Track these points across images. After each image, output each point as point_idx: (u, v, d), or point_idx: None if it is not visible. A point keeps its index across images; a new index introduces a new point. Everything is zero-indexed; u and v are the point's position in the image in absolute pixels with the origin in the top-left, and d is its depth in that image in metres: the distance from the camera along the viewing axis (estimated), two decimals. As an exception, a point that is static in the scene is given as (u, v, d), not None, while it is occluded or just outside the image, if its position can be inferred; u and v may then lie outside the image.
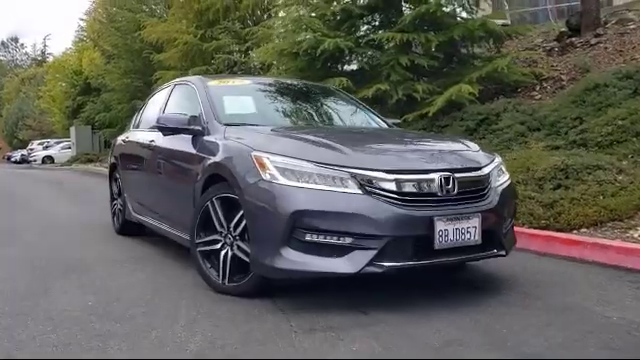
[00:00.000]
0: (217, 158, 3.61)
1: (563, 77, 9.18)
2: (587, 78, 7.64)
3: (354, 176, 3.07)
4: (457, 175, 3.23)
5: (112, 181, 6.01)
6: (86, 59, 27.39)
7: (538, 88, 9.23)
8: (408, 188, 3.11)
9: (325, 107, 4.71)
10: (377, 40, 8.81)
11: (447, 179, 3.18)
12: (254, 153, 3.30)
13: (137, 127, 5.63)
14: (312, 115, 4.52)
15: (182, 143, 4.15)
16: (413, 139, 4.02)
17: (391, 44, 9.06)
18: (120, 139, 5.86)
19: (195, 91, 4.40)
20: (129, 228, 5.59)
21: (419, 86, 8.60)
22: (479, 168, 3.41)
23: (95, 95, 25.90)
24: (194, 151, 3.97)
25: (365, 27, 9.97)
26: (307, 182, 3.08)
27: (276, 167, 3.17)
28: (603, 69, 8.73)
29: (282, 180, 3.12)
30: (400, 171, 3.14)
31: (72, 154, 27.95)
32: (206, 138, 3.93)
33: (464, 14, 10.09)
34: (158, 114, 4.90)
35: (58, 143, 33.58)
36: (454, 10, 9.97)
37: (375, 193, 3.05)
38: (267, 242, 3.14)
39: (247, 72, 14.85)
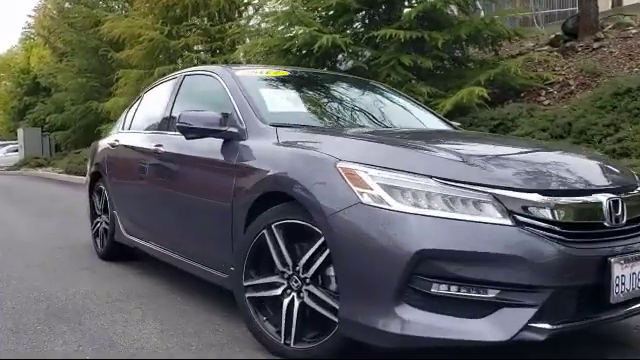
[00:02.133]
0: (277, 170, 2.59)
1: (570, 82, 8.50)
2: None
3: (497, 198, 2.12)
4: (624, 196, 2.33)
5: (93, 194, 4.84)
6: (35, 57, 25.52)
7: (544, 93, 8.53)
8: (568, 216, 2.18)
9: (379, 104, 3.73)
10: (378, 37, 7.89)
11: (615, 202, 2.26)
12: (342, 164, 2.30)
13: (129, 128, 4.52)
14: (371, 114, 3.53)
15: (206, 149, 3.12)
16: (530, 147, 3.04)
17: (390, 41, 8.19)
18: (106, 143, 4.71)
19: (220, 83, 3.36)
20: (117, 252, 4.48)
21: (424, 88, 7.73)
22: (637, 187, 2.52)
23: (45, 95, 24.05)
24: (229, 160, 2.94)
25: (358, 24, 9.07)
26: (430, 207, 2.11)
27: (381, 185, 2.18)
28: (614, 74, 8.11)
29: (393, 204, 2.13)
30: (556, 192, 2.20)
31: (20, 158, 25.90)
32: (247, 143, 2.91)
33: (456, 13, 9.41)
34: (165, 112, 3.85)
35: (3, 146, 31.26)
36: (451, 10, 9.22)
37: (530, 224, 2.10)
38: (369, 294, 2.15)
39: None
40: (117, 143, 4.43)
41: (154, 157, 3.68)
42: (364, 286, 2.17)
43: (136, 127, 4.43)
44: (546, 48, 10.08)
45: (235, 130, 3.00)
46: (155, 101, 4.23)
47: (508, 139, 3.67)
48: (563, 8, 13.47)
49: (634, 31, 9.36)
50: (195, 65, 14.31)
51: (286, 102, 3.34)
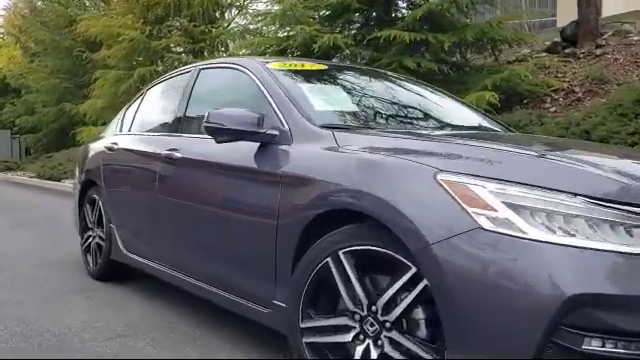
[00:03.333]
0: (346, 183, 2.03)
1: (576, 89, 8.14)
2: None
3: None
4: None
5: (84, 204, 4.20)
6: (4, 57, 24.37)
7: (549, 100, 8.15)
8: None
9: (430, 103, 3.20)
10: (381, 38, 7.39)
11: None
12: (445, 176, 1.76)
13: (130, 130, 3.91)
14: (427, 115, 3.00)
15: (240, 156, 2.56)
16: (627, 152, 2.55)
17: (393, 43, 7.71)
18: (101, 146, 4.07)
19: (250, 77, 2.79)
20: (114, 271, 3.86)
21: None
22: None
23: (15, 96, 22.92)
24: (273, 169, 2.38)
25: (357, 24, 8.58)
26: (580, 236, 1.59)
27: (507, 204, 1.65)
28: (622, 80, 7.79)
29: (529, 230, 1.60)
30: None
31: (-13, 161, 24.67)
32: (293, 148, 2.36)
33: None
34: (176, 112, 3.27)
35: (-31, 148, 29.86)
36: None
37: None
38: (491, 349, 1.62)
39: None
40: (116, 147, 3.81)
41: (167, 164, 3.08)
42: (483, 338, 1.63)
43: (139, 129, 3.82)
44: (544, 55, 9.74)
45: (275, 132, 2.45)
46: (162, 99, 3.65)
47: (603, 146, 3.13)
48: (552, 17, 13.22)
49: (636, 38, 9.08)
50: (177, 67, 13.63)
51: (333, 100, 2.79)
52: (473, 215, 1.66)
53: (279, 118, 2.50)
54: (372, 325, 1.91)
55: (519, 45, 9.55)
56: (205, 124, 2.50)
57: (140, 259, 3.42)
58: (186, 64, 13.24)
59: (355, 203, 1.98)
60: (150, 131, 3.63)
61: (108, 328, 2.93)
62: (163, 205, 3.11)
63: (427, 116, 2.99)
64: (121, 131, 4.05)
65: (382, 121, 2.75)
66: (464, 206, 1.68)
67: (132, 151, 3.58)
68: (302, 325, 2.06)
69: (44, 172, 13.65)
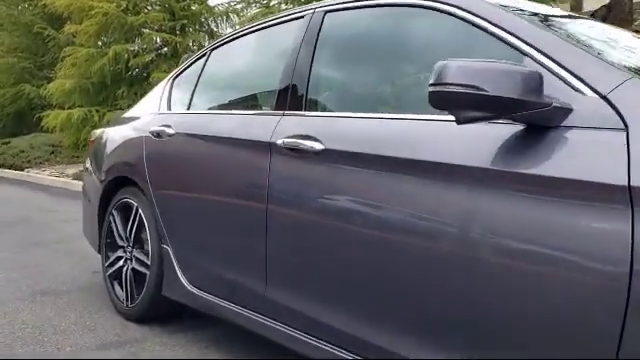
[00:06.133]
0: None
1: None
2: None
3: None
4: None
5: (109, 213, 2.90)
6: (-48, 34, 22.01)
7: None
8: None
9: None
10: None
11: None
12: None
13: (189, 107, 2.65)
14: None
15: (478, 148, 1.40)
16: None
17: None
18: (138, 131, 2.76)
19: (469, 20, 1.61)
20: (162, 311, 2.63)
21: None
22: None
23: (-36, 77, 20.71)
24: (581, 176, 1.23)
25: None
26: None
27: None
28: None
29: None
30: None
31: None
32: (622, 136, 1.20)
33: None
34: (284, 80, 2.06)
35: None
36: None
37: None
38: None
39: (183, 53, 11.63)
40: (170, 131, 2.53)
41: (294, 159, 1.86)
42: None
43: (207, 105, 2.58)
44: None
45: (568, 107, 1.30)
46: (249, 61, 2.42)
47: None
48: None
49: (675, 24, 8.27)
50: (157, 46, 12.14)
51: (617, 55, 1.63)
52: None
53: (568, 83, 1.35)
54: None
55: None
56: (435, 88, 1.31)
57: (222, 302, 2.19)
58: (167, 42, 11.83)
59: None
60: (231, 108, 2.40)
61: None
62: (283, 222, 1.89)
63: None
64: (170, 109, 2.78)
65: None
66: None
67: (209, 138, 2.32)
68: None
69: (4, 160, 11.96)
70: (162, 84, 2.98)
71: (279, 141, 1.92)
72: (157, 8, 12.15)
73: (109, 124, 3.47)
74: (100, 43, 12.29)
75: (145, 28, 12.01)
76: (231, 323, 2.20)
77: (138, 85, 11.65)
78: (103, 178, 2.97)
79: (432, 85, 1.32)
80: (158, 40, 11.98)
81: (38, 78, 15.63)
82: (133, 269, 2.71)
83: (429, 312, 1.50)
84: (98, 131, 3.35)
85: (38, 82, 15.19)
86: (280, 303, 1.94)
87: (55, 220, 5.61)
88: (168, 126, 2.56)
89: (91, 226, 3.11)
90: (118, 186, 2.86)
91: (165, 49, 12.09)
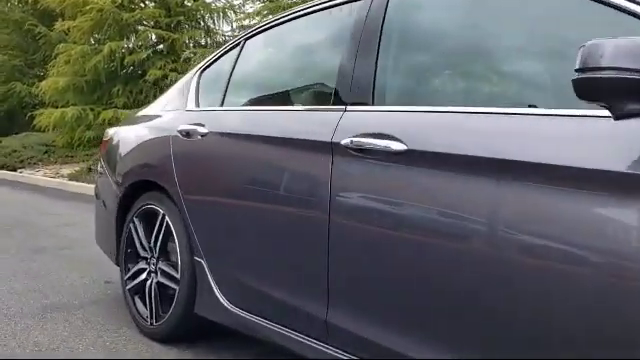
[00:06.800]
0: None
1: None
2: None
3: None
4: None
5: (129, 220, 2.61)
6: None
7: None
8: None
9: None
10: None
11: None
12: None
13: (222, 104, 2.36)
14: None
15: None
16: None
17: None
18: (162, 130, 2.47)
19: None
20: (187, 329, 2.35)
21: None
22: None
23: (-47, 76, 20.19)
24: None
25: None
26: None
27: None
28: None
29: None
30: None
31: None
32: None
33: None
34: (346, 69, 1.77)
35: None
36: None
37: None
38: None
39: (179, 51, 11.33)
40: (203, 130, 2.25)
41: (365, 161, 1.60)
42: None
43: (243, 101, 2.30)
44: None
45: None
46: (294, 49, 2.14)
47: None
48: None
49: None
50: (153, 42, 11.79)
51: None
52: None
53: None
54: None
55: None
56: (584, 74, 1.04)
57: (269, 325, 1.92)
58: (163, 39, 11.49)
59: None
60: (274, 103, 2.12)
61: None
62: (352, 236, 1.62)
63: None
64: (198, 106, 2.49)
65: None
66: None
67: (251, 138, 2.04)
68: None
69: (-4, 160, 11.56)
70: (185, 79, 2.69)
71: (344, 141, 1.65)
72: (152, 4, 11.81)
73: (123, 123, 3.18)
74: (93, 40, 11.96)
75: (140, 25, 11.71)
76: (278, 346, 1.93)
77: (133, 83, 11.34)
78: (121, 181, 2.68)
79: (579, 71, 1.05)
80: (154, 37, 11.65)
81: (29, 76, 15.30)
82: (160, 283, 2.43)
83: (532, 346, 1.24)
84: (111, 130, 3.05)
85: (29, 80, 14.85)
86: (346, 330, 1.66)
87: (56, 224, 5.29)
88: (200, 124, 2.28)
89: (107, 234, 2.82)
90: (139, 190, 2.57)
91: (161, 46, 11.76)
